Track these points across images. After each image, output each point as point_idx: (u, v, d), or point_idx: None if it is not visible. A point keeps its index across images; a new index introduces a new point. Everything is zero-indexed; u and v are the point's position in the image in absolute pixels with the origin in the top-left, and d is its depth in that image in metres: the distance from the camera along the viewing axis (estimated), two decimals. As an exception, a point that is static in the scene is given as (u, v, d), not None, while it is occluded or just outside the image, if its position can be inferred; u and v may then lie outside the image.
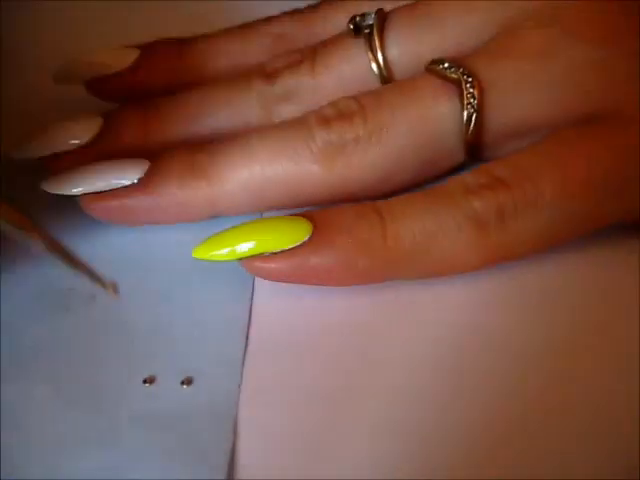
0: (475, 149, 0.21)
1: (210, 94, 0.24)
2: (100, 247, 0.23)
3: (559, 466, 0.17)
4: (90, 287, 0.22)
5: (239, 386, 0.19)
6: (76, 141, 0.24)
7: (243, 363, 0.20)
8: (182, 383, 0.19)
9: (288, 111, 0.24)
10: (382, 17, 0.23)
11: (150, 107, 0.24)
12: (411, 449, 0.18)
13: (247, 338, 0.20)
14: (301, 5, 0.27)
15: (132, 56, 0.26)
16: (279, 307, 0.21)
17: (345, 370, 0.19)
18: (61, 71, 0.26)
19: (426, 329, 0.20)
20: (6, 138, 0.25)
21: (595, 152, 0.20)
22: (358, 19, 0.23)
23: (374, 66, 0.23)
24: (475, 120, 0.20)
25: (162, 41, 0.27)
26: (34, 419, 0.19)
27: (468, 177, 0.20)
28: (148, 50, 0.26)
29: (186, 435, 0.18)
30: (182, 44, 0.26)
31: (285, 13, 0.27)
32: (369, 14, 0.23)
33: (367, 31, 0.23)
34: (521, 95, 0.21)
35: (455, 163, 0.22)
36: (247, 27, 0.27)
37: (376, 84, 0.23)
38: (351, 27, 0.23)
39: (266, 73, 0.24)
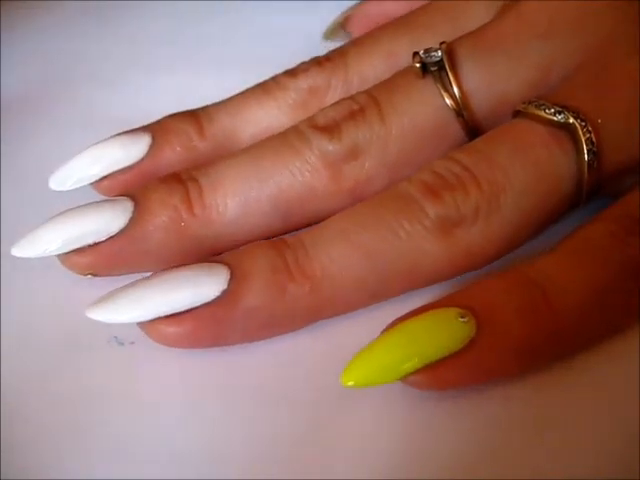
0: (595, 191, 0.20)
1: (264, 159, 0.21)
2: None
3: (559, 466, 0.17)
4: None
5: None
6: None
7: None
8: None
9: (358, 170, 0.21)
10: (450, 50, 0.21)
11: (191, 180, 0.21)
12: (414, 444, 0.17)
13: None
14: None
15: (144, 144, 0.23)
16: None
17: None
18: (59, 175, 0.23)
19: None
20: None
21: None
22: (423, 55, 0.21)
23: (449, 102, 0.21)
24: (596, 165, 0.19)
25: (176, 120, 0.23)
26: None
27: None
28: (162, 133, 0.23)
29: None
30: (199, 119, 0.23)
31: (307, 62, 0.24)
32: (433, 49, 0.21)
33: (434, 68, 0.21)
34: (633, 129, 0.20)
35: (574, 206, 0.20)
36: (269, 86, 0.24)
37: (452, 125, 0.21)
38: (417, 65, 0.21)
39: (322, 127, 0.21)
